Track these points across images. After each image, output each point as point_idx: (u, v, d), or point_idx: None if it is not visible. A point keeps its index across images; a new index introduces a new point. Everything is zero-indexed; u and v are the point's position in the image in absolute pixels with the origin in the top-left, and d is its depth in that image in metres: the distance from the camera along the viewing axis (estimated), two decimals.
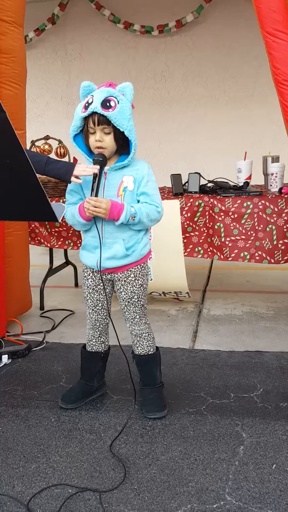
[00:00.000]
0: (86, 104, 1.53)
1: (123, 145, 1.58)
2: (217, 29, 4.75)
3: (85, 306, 1.80)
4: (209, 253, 2.65)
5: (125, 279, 1.69)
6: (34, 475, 1.46)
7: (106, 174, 1.61)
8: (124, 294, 1.72)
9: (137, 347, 1.79)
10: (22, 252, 2.68)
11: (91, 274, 1.73)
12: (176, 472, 1.46)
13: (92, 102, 1.51)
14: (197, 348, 2.36)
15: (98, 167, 1.55)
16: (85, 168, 1.57)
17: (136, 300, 1.72)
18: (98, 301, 1.76)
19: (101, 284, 1.72)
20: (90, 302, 1.77)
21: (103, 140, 1.55)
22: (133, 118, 1.56)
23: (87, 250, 1.71)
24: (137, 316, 1.75)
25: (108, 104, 1.50)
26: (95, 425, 1.71)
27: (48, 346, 2.42)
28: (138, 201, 1.63)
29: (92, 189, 1.56)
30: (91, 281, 1.74)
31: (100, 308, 1.77)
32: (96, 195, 1.55)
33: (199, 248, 2.67)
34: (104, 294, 1.74)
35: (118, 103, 1.51)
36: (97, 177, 1.55)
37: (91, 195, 1.56)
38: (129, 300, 1.72)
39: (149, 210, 1.60)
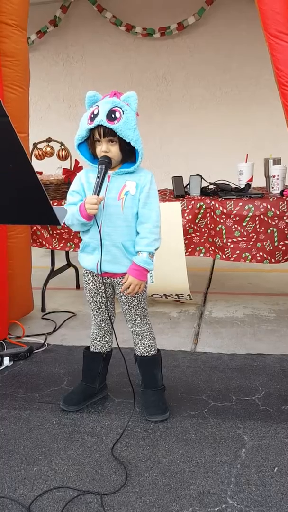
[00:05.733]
0: (92, 116, 1.56)
1: (128, 154, 1.61)
2: (218, 31, 4.75)
3: (89, 308, 1.81)
4: (211, 252, 2.65)
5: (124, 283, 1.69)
6: (36, 477, 1.46)
7: (110, 177, 1.62)
8: (125, 298, 1.73)
9: (138, 347, 1.79)
10: (24, 254, 2.68)
11: (91, 278, 1.74)
12: (178, 475, 1.45)
13: (97, 113, 1.54)
14: (199, 350, 2.36)
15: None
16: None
17: (136, 303, 1.73)
18: (101, 303, 1.77)
19: (102, 288, 1.73)
20: (93, 305, 1.78)
21: (109, 151, 1.58)
22: (138, 127, 1.58)
23: (85, 252, 1.71)
24: (138, 318, 1.76)
25: (113, 115, 1.52)
26: (96, 427, 1.71)
27: (50, 348, 2.42)
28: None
29: (95, 188, 1.57)
30: (92, 285, 1.75)
31: (104, 309, 1.78)
32: (98, 195, 1.57)
33: (201, 247, 2.67)
34: (105, 297, 1.75)
35: (123, 113, 1.53)
36: (100, 177, 1.56)
37: (93, 194, 1.57)
38: (129, 303, 1.73)
39: (153, 235, 1.63)
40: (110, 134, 1.55)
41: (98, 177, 1.56)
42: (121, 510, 1.32)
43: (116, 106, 1.53)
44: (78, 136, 1.62)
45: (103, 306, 1.77)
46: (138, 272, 1.62)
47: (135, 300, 1.73)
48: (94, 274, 1.72)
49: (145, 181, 1.63)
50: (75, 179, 1.72)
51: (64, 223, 1.63)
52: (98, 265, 1.64)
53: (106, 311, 1.77)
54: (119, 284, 1.71)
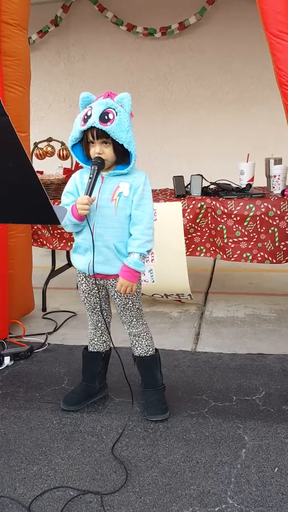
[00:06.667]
0: (85, 117, 1.55)
1: (122, 155, 1.60)
2: (219, 31, 4.75)
3: (84, 309, 1.81)
4: (212, 252, 2.65)
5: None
6: (36, 477, 1.46)
7: (103, 178, 1.62)
8: (119, 301, 1.72)
9: (136, 348, 1.79)
10: (24, 254, 2.68)
11: (84, 279, 1.74)
12: (178, 475, 1.45)
13: (90, 115, 1.53)
14: (199, 350, 2.35)
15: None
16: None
17: (131, 305, 1.73)
18: (96, 304, 1.76)
19: (96, 289, 1.73)
20: (88, 306, 1.78)
21: (103, 152, 1.57)
22: (132, 128, 1.58)
23: (78, 253, 1.71)
24: (134, 319, 1.75)
25: (106, 117, 1.51)
26: (96, 427, 1.71)
27: (50, 347, 2.42)
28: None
29: (87, 189, 1.56)
30: (85, 286, 1.74)
31: (98, 310, 1.77)
32: (90, 195, 1.56)
33: (202, 247, 2.67)
34: (99, 297, 1.75)
35: (116, 115, 1.52)
36: (92, 178, 1.56)
37: (84, 194, 1.57)
38: (124, 305, 1.73)
39: (145, 236, 1.62)
40: (103, 135, 1.54)
41: (90, 177, 1.56)
42: (121, 509, 1.32)
43: (109, 108, 1.52)
44: (72, 138, 1.62)
45: (98, 306, 1.77)
46: (129, 274, 1.61)
47: (130, 302, 1.72)
48: (86, 275, 1.72)
49: (139, 182, 1.62)
50: (69, 180, 1.72)
51: None
52: (90, 266, 1.64)
53: (102, 310, 1.77)
54: (112, 286, 1.71)
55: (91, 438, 1.65)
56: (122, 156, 1.60)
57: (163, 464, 1.51)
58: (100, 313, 1.78)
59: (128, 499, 1.36)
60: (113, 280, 1.69)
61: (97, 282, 1.71)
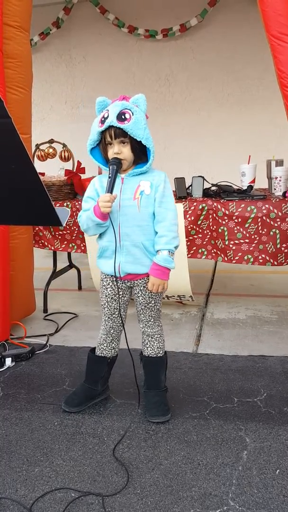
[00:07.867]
0: (102, 119, 1.57)
1: (140, 154, 1.62)
2: (221, 33, 4.76)
3: (101, 313, 1.80)
4: (213, 254, 2.65)
5: (144, 284, 1.70)
6: (37, 478, 1.46)
7: (123, 179, 1.63)
8: (142, 299, 1.73)
9: (147, 348, 1.79)
10: (26, 255, 2.69)
11: (110, 283, 1.73)
12: (179, 477, 1.45)
13: (108, 116, 1.55)
14: (201, 352, 2.35)
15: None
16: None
17: (153, 305, 1.74)
18: (115, 309, 1.75)
19: (120, 293, 1.73)
20: (107, 311, 1.77)
21: (121, 152, 1.58)
22: (148, 128, 1.59)
23: (104, 257, 1.70)
24: (152, 319, 1.76)
25: (123, 116, 1.53)
26: (98, 429, 1.71)
27: (52, 349, 2.42)
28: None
29: (107, 187, 1.57)
30: (111, 290, 1.73)
31: (116, 316, 1.76)
32: (111, 193, 1.57)
33: (203, 250, 2.67)
34: (122, 302, 1.74)
35: (132, 114, 1.54)
36: (111, 177, 1.57)
37: (106, 192, 1.58)
38: (146, 304, 1.73)
39: (171, 233, 1.63)
40: (121, 135, 1.56)
41: (109, 177, 1.57)
42: (123, 511, 1.32)
43: (126, 108, 1.55)
44: (90, 141, 1.63)
45: (117, 312, 1.75)
46: (160, 272, 1.63)
47: (152, 302, 1.73)
48: (114, 279, 1.70)
49: (159, 180, 1.63)
50: (89, 185, 1.73)
51: (69, 224, 1.64)
52: (118, 267, 1.64)
53: (119, 317, 1.76)
54: (137, 285, 1.71)
55: (93, 439, 1.65)
56: (140, 155, 1.62)
57: (164, 465, 1.51)
58: (116, 319, 1.76)
59: (129, 501, 1.36)
60: (140, 280, 1.69)
61: (124, 286, 1.72)
